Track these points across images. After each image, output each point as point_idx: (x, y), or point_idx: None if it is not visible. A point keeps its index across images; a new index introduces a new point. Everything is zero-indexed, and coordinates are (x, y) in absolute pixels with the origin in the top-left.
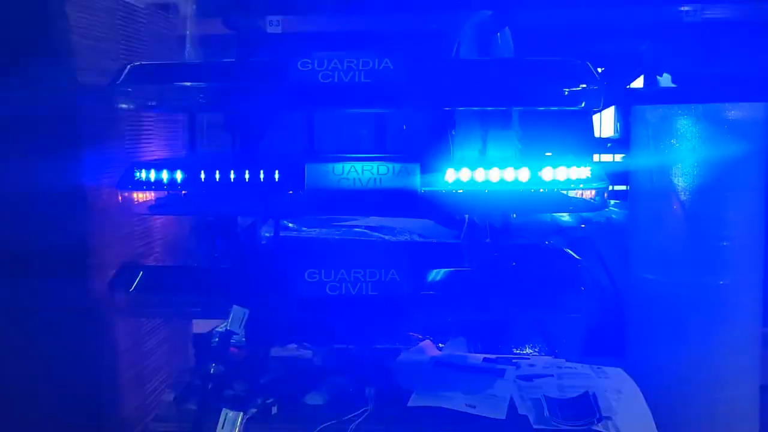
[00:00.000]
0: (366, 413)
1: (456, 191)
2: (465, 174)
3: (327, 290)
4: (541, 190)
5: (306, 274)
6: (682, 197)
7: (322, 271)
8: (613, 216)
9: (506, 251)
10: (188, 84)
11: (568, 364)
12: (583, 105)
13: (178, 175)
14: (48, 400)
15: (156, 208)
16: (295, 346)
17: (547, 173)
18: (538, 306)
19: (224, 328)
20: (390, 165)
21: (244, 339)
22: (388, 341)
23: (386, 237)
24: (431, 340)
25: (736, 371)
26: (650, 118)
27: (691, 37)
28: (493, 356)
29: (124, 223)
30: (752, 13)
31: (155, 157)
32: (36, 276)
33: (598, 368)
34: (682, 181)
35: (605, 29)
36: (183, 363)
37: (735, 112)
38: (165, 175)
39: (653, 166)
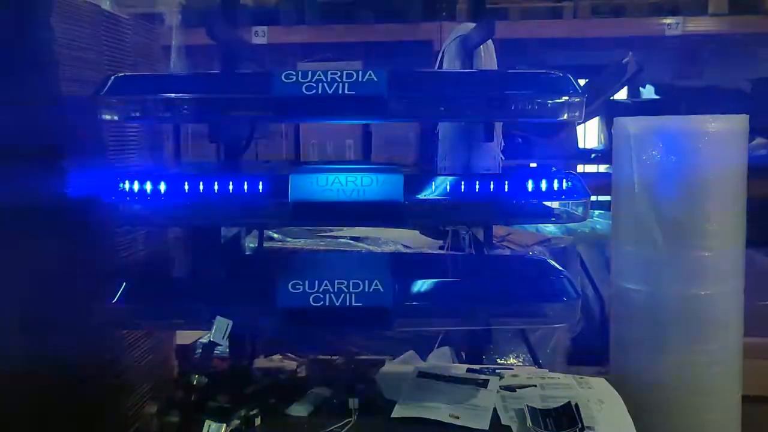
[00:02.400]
0: (350, 424)
1: (440, 202)
2: (448, 185)
3: (311, 301)
4: (524, 202)
5: (290, 285)
6: (664, 208)
7: (306, 282)
8: (597, 226)
9: (490, 262)
10: (172, 95)
11: (551, 374)
12: (565, 117)
13: (162, 186)
14: (27, 413)
15: (139, 219)
16: (279, 357)
17: (530, 184)
18: (521, 316)
19: (207, 340)
20: (374, 176)
21: (227, 350)
22: (372, 352)
23: (370, 247)
24: (415, 351)
25: (717, 381)
26: (632, 129)
27: (673, 50)
28: (477, 367)
29: (107, 234)
30: (733, 27)
31: (139, 168)
32: (14, 287)
33: (581, 378)
34: (663, 192)
35: (588, 42)
36: (166, 374)
37: (715, 123)
38: (149, 186)
39: (635, 177)
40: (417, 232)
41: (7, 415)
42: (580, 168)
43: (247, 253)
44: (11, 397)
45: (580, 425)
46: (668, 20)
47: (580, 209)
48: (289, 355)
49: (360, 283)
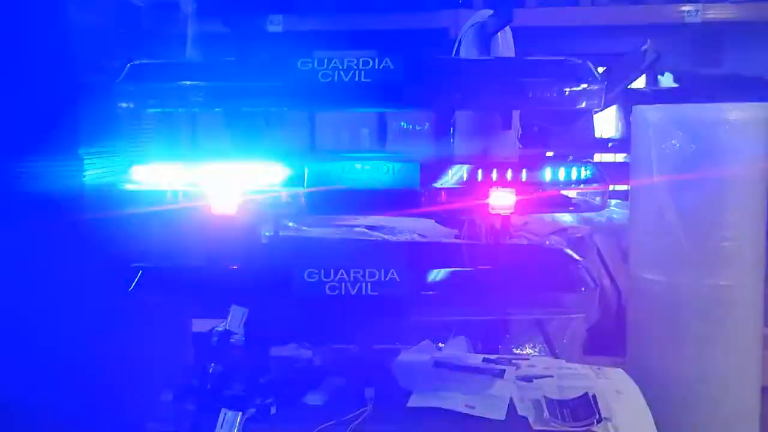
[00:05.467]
0: (365, 413)
1: (456, 191)
2: (464, 173)
3: (326, 290)
4: (542, 190)
5: (305, 274)
6: (683, 198)
7: (322, 270)
8: (614, 216)
9: (506, 251)
10: (188, 82)
11: (568, 364)
12: (584, 105)
13: (179, 174)
14: (45, 401)
15: (157, 207)
16: (295, 345)
17: (548, 173)
18: (538, 306)
19: (223, 328)
20: (390, 164)
21: (243, 338)
22: (388, 341)
23: (386, 236)
24: (431, 340)
25: (736, 372)
26: (652, 118)
27: (692, 37)
28: (493, 356)
29: (123, 222)
30: (753, 14)
31: (155, 156)
32: (33, 276)
33: (598, 369)
34: (682, 181)
35: (607, 29)
36: (182, 363)
37: (736, 112)
38: (165, 174)
39: (654, 166)
40: (433, 221)
41: (23, 400)
42: (596, 157)
43: (263, 241)
44: (27, 383)
45: (597, 416)
46: (687, 7)
47: (599, 198)
48: (305, 343)
49: (376, 272)
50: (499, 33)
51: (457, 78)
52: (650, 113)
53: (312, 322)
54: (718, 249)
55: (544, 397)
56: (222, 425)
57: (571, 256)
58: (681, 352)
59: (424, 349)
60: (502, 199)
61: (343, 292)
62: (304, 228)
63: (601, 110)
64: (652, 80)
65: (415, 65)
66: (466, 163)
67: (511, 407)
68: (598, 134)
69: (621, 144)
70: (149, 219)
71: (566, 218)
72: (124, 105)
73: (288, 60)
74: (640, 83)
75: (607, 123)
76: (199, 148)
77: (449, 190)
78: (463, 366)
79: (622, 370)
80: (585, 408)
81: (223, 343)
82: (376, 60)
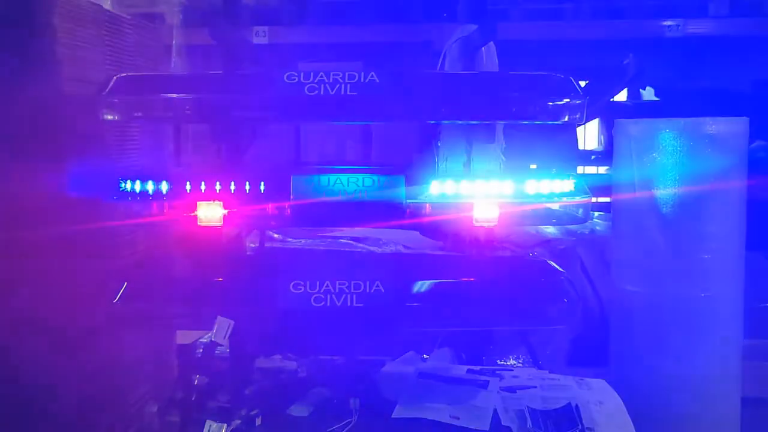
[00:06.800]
0: (350, 424)
1: (441, 203)
2: (449, 186)
3: (312, 301)
4: (525, 203)
5: (291, 285)
6: (664, 210)
7: (307, 282)
8: (597, 228)
9: (490, 263)
10: (174, 95)
11: (552, 375)
12: (566, 118)
13: (164, 186)
14: (28, 412)
15: (141, 219)
16: (280, 357)
17: (531, 186)
18: (521, 317)
19: (209, 339)
20: (375, 177)
21: (228, 350)
22: (373, 353)
23: (371, 248)
24: (415, 352)
25: (717, 383)
26: (633, 131)
27: (673, 52)
28: (477, 368)
29: (108, 233)
30: (733, 29)
31: (141, 168)
32: (18, 287)
33: (581, 380)
34: (663, 194)
35: (589, 43)
36: (167, 374)
37: (715, 126)
38: (150, 186)
39: (636, 178)
40: (418, 233)
41: (9, 414)
42: (579, 169)
43: (248, 253)
44: (12, 395)
45: (580, 426)
46: (669, 22)
47: (581, 211)
48: (290, 355)
49: (361, 283)
50: (483, 47)
51: (442, 92)
52: (632, 127)
53: (297, 333)
54: (699, 261)
55: (528, 407)
56: None
57: (554, 268)
58: (663, 362)
59: (409, 360)
60: (486, 212)
61: (328, 304)
62: (289, 239)
63: (584, 124)
64: (634, 94)
65: (401, 79)
66: (451, 176)
67: (495, 418)
68: (581, 147)
69: (603, 157)
70: (134, 230)
71: (550, 230)
72: (110, 117)
73: (274, 73)
74: (622, 97)
75: (590, 136)
76: None
77: (434, 203)
78: (447, 377)
79: (604, 381)
80: (568, 418)
81: (209, 354)
82: (362, 73)
